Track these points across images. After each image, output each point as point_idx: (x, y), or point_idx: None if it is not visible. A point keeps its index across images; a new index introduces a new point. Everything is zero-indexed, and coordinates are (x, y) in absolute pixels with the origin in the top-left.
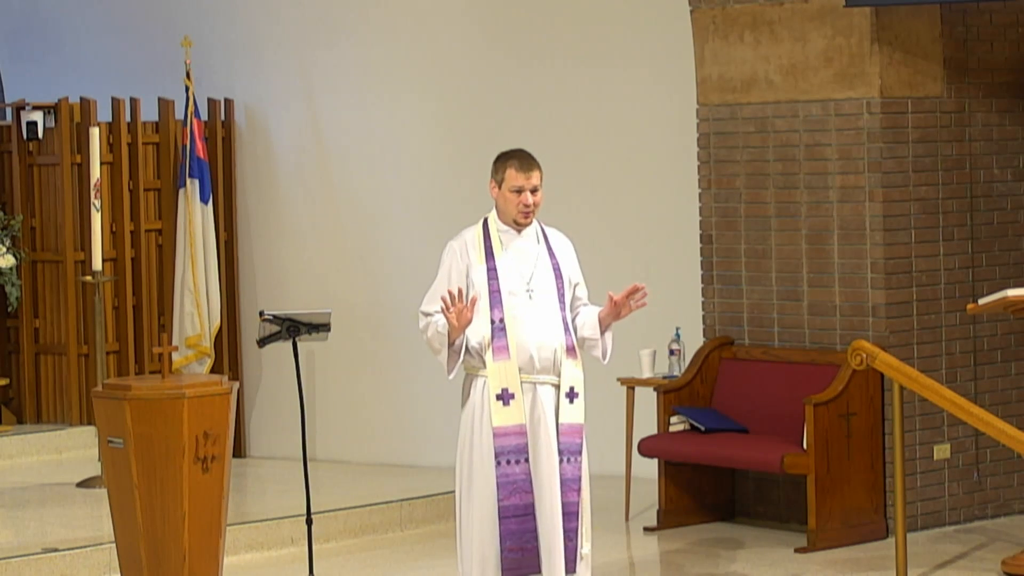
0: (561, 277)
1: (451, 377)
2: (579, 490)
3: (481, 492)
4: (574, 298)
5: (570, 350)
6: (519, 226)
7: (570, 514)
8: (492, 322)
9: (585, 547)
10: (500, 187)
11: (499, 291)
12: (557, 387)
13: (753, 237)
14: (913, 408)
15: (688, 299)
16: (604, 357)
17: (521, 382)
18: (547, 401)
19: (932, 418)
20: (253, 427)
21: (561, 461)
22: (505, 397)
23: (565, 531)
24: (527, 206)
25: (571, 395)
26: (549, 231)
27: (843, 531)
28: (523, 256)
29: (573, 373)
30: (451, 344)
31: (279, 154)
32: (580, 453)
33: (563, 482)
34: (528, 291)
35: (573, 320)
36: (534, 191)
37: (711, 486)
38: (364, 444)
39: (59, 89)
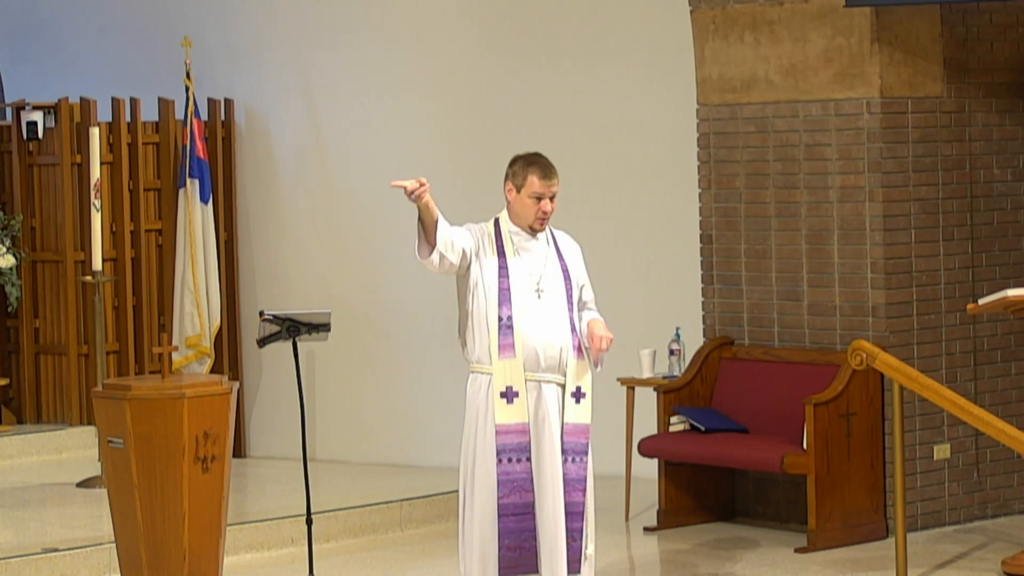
0: (570, 279)
1: (423, 259)
2: (584, 490)
3: (482, 489)
4: (580, 300)
5: (577, 350)
6: (533, 231)
7: (574, 514)
8: (500, 319)
9: (590, 547)
10: (518, 191)
11: (508, 288)
12: (563, 387)
13: (753, 237)
14: (913, 408)
15: (688, 299)
16: (595, 367)
17: (526, 380)
18: (552, 400)
19: (932, 418)
20: (253, 427)
21: (565, 461)
22: (509, 395)
23: (569, 531)
24: (545, 213)
25: (577, 395)
26: (558, 234)
27: (843, 531)
28: (533, 257)
29: (580, 373)
30: (425, 229)
31: (279, 154)
32: (585, 453)
33: (567, 482)
34: (537, 291)
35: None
36: (551, 198)
37: (711, 486)
38: (364, 444)
39: (59, 89)
